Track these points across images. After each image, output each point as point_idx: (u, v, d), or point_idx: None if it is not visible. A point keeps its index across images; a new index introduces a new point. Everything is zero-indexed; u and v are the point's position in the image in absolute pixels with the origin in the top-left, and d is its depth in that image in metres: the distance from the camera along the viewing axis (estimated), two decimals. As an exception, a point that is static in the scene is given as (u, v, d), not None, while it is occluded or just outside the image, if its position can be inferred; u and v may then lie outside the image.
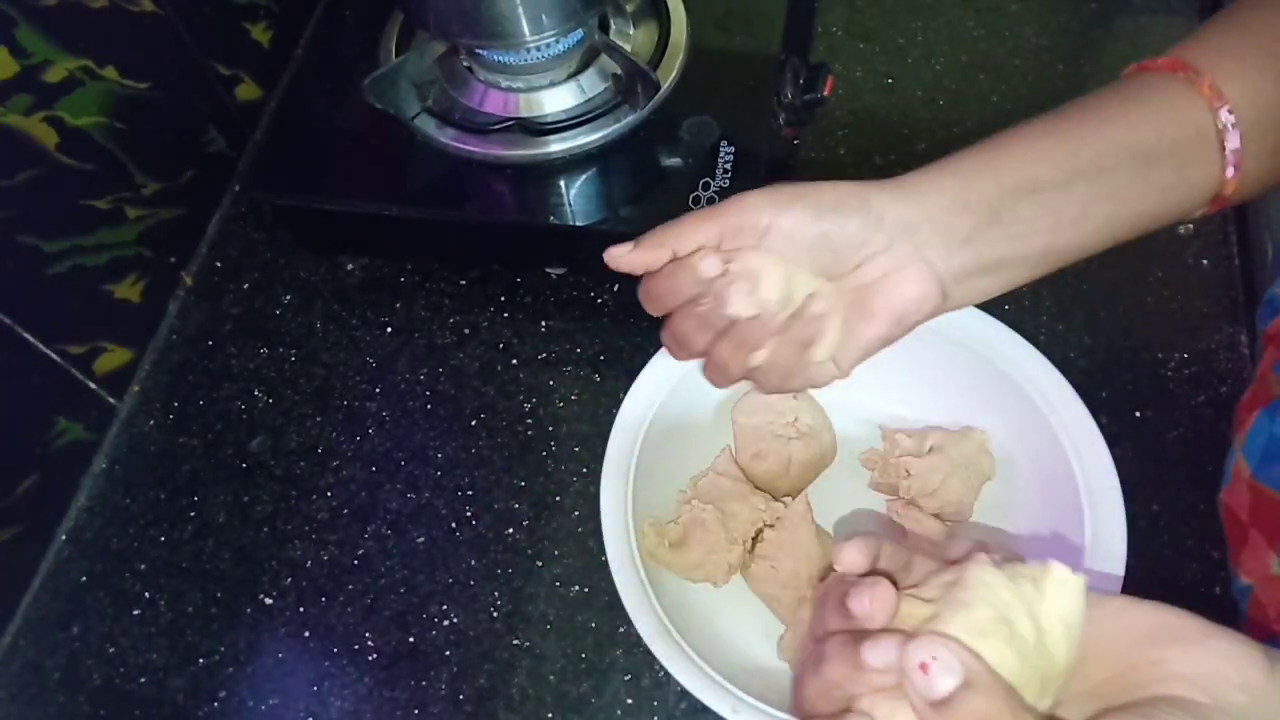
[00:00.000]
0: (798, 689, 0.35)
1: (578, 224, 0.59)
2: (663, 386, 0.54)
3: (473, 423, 0.62)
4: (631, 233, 0.61)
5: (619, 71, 0.63)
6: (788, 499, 0.53)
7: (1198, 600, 0.53)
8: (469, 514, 0.59)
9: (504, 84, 0.63)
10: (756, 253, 0.43)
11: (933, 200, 0.42)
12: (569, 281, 0.66)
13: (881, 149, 0.69)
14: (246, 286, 0.69)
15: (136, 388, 0.65)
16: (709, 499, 0.52)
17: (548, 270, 0.66)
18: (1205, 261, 0.63)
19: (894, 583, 0.33)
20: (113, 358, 0.63)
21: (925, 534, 0.52)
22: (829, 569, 0.49)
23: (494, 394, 0.63)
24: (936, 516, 0.52)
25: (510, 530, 0.58)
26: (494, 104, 0.63)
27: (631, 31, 0.66)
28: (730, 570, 0.51)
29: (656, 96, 0.61)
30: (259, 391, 0.64)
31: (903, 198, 0.42)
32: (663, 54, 0.64)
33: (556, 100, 0.62)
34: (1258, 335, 0.57)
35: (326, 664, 0.55)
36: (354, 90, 0.62)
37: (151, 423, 0.64)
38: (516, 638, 0.55)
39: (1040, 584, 0.32)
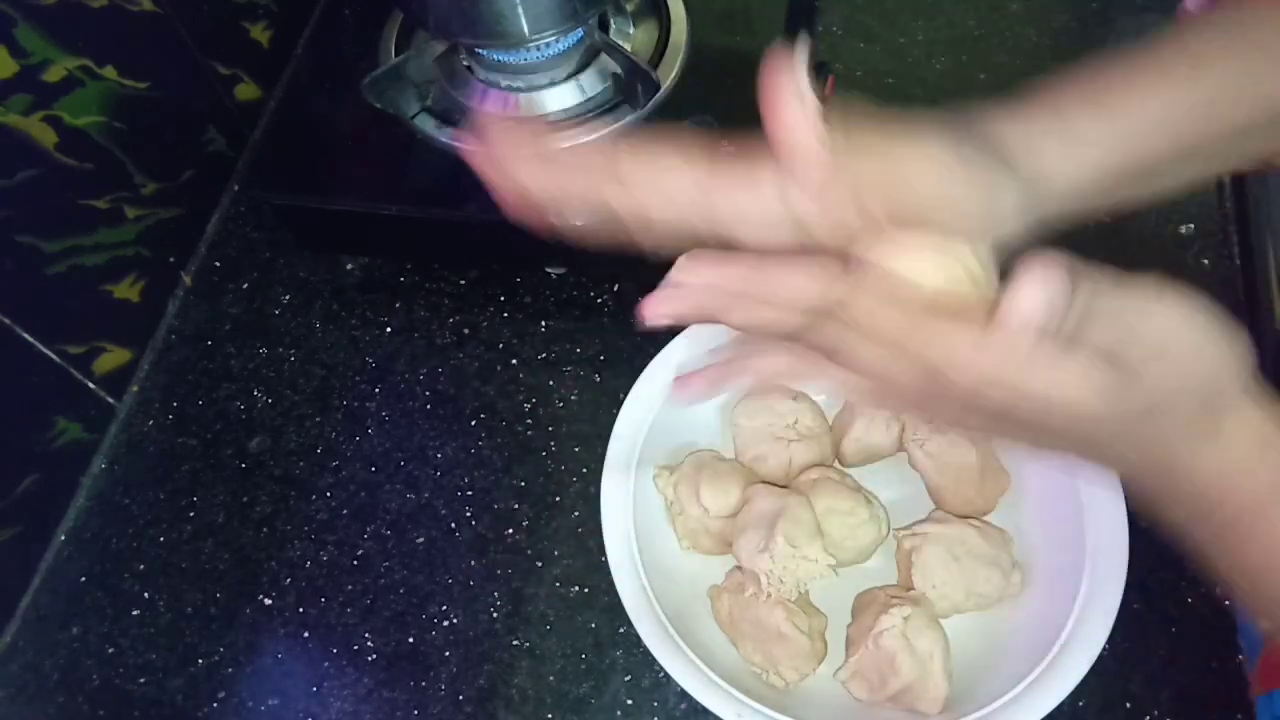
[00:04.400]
0: None
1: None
2: (664, 387, 0.54)
3: (473, 423, 0.62)
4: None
5: (619, 71, 0.62)
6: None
7: (1199, 601, 0.53)
8: (469, 514, 0.59)
9: (504, 83, 0.63)
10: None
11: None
12: (569, 281, 0.66)
13: (882, 149, 0.69)
14: (246, 286, 0.69)
15: (136, 388, 0.65)
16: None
17: (548, 270, 0.66)
18: (1205, 261, 0.63)
19: None
20: (112, 358, 0.63)
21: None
22: None
23: (494, 394, 0.63)
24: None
25: (510, 530, 0.58)
26: (494, 103, 0.63)
27: (631, 31, 0.65)
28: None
29: (656, 96, 0.61)
30: (258, 391, 0.64)
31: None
32: (663, 53, 0.64)
33: (556, 100, 0.62)
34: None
35: (326, 664, 0.55)
36: (354, 90, 0.62)
37: (151, 423, 0.64)
38: (516, 638, 0.55)
39: None
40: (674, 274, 0.33)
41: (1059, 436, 0.31)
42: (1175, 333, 0.29)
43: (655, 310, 0.33)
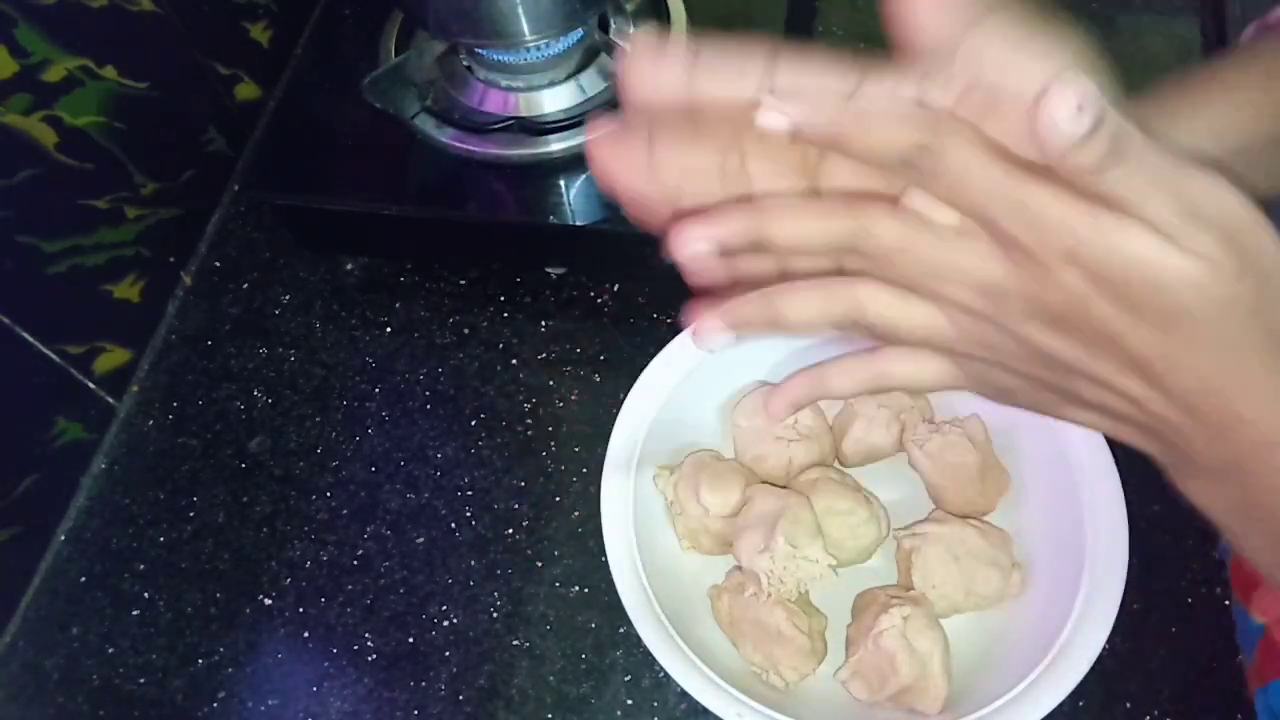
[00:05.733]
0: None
1: (578, 223, 0.59)
2: (664, 387, 0.54)
3: (473, 423, 0.62)
4: (631, 233, 0.61)
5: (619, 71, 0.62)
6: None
7: (1199, 601, 0.53)
8: (469, 514, 0.59)
9: (504, 83, 0.63)
10: None
11: None
12: (569, 281, 0.66)
13: (882, 149, 0.69)
14: (246, 286, 0.69)
15: (136, 388, 0.65)
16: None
17: (548, 270, 0.66)
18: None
19: None
20: (112, 358, 0.63)
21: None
22: None
23: (494, 394, 0.63)
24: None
25: (510, 530, 0.58)
26: (494, 103, 0.63)
27: (632, 31, 0.66)
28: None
29: (657, 96, 0.61)
30: (258, 391, 0.64)
31: None
32: (663, 54, 0.63)
33: (556, 99, 0.62)
34: None
35: (326, 664, 0.55)
36: (354, 90, 0.62)
37: (151, 423, 0.64)
38: (516, 638, 0.55)
39: None
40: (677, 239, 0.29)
41: (1136, 348, 0.27)
42: (1240, 212, 0.25)
43: (710, 324, 0.31)
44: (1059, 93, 0.23)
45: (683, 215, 0.30)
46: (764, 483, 0.53)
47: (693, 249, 0.30)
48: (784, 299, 0.31)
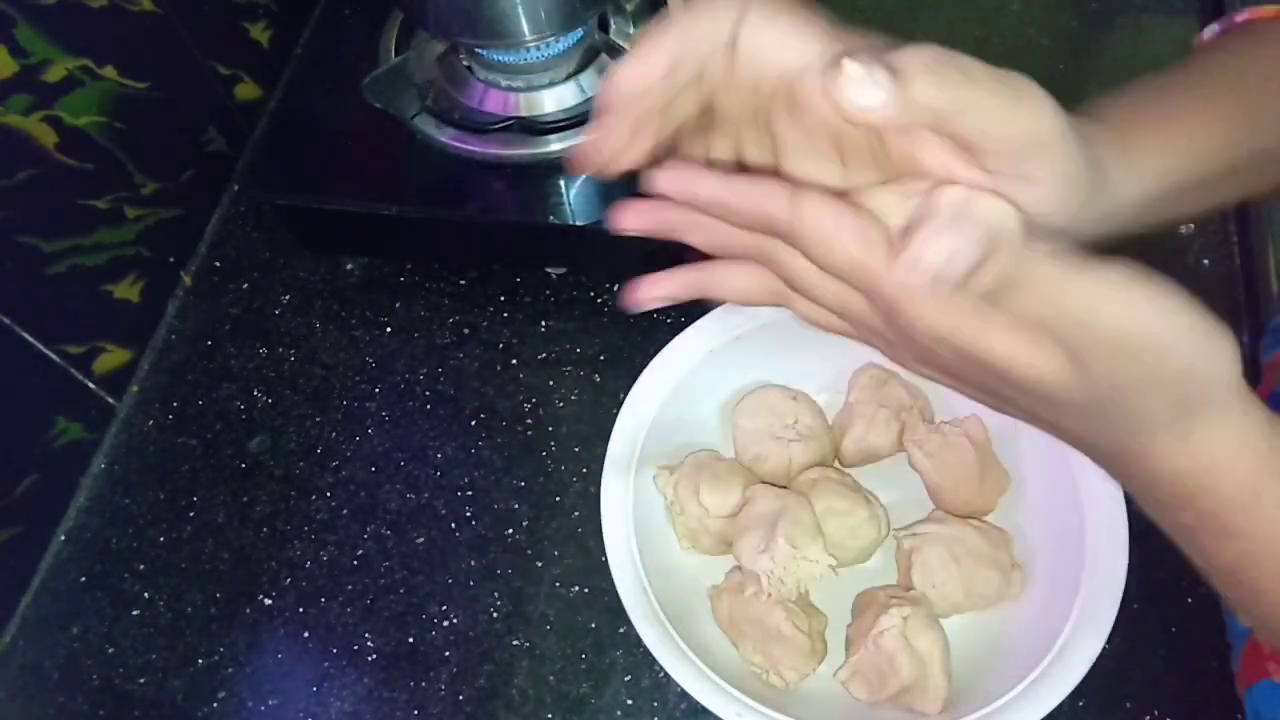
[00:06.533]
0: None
1: (578, 223, 0.59)
2: (664, 387, 0.54)
3: (473, 423, 0.62)
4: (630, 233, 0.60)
5: (619, 71, 0.62)
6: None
7: (1199, 601, 0.53)
8: (469, 514, 0.59)
9: (504, 83, 0.63)
10: None
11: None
12: (569, 281, 0.66)
13: (882, 149, 0.69)
14: (245, 286, 0.69)
15: (136, 388, 0.65)
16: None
17: (548, 270, 0.66)
18: (1205, 261, 0.63)
19: None
20: (112, 358, 0.63)
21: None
22: None
23: (494, 394, 0.63)
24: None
25: (510, 530, 0.58)
26: (494, 103, 0.63)
27: (631, 31, 0.66)
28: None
29: (656, 96, 0.61)
30: (258, 391, 0.64)
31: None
32: (663, 54, 0.63)
33: (556, 99, 0.62)
34: (1261, 365, 0.57)
35: (326, 664, 0.55)
36: (354, 90, 0.62)
37: (151, 423, 0.64)
38: (516, 638, 0.55)
39: None
40: (650, 183, 0.31)
41: (1014, 405, 0.31)
42: (1142, 329, 0.26)
43: (647, 294, 0.35)
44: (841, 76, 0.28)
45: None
46: (764, 483, 0.53)
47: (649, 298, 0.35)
48: (720, 272, 0.35)
